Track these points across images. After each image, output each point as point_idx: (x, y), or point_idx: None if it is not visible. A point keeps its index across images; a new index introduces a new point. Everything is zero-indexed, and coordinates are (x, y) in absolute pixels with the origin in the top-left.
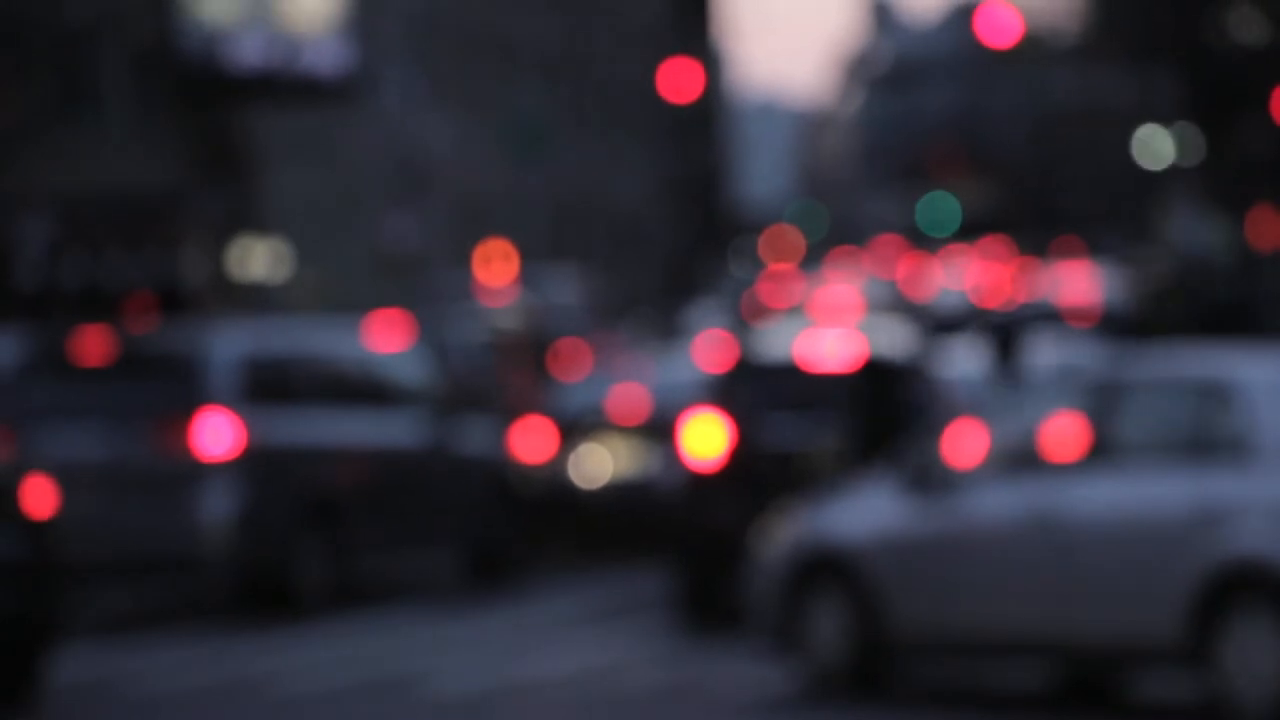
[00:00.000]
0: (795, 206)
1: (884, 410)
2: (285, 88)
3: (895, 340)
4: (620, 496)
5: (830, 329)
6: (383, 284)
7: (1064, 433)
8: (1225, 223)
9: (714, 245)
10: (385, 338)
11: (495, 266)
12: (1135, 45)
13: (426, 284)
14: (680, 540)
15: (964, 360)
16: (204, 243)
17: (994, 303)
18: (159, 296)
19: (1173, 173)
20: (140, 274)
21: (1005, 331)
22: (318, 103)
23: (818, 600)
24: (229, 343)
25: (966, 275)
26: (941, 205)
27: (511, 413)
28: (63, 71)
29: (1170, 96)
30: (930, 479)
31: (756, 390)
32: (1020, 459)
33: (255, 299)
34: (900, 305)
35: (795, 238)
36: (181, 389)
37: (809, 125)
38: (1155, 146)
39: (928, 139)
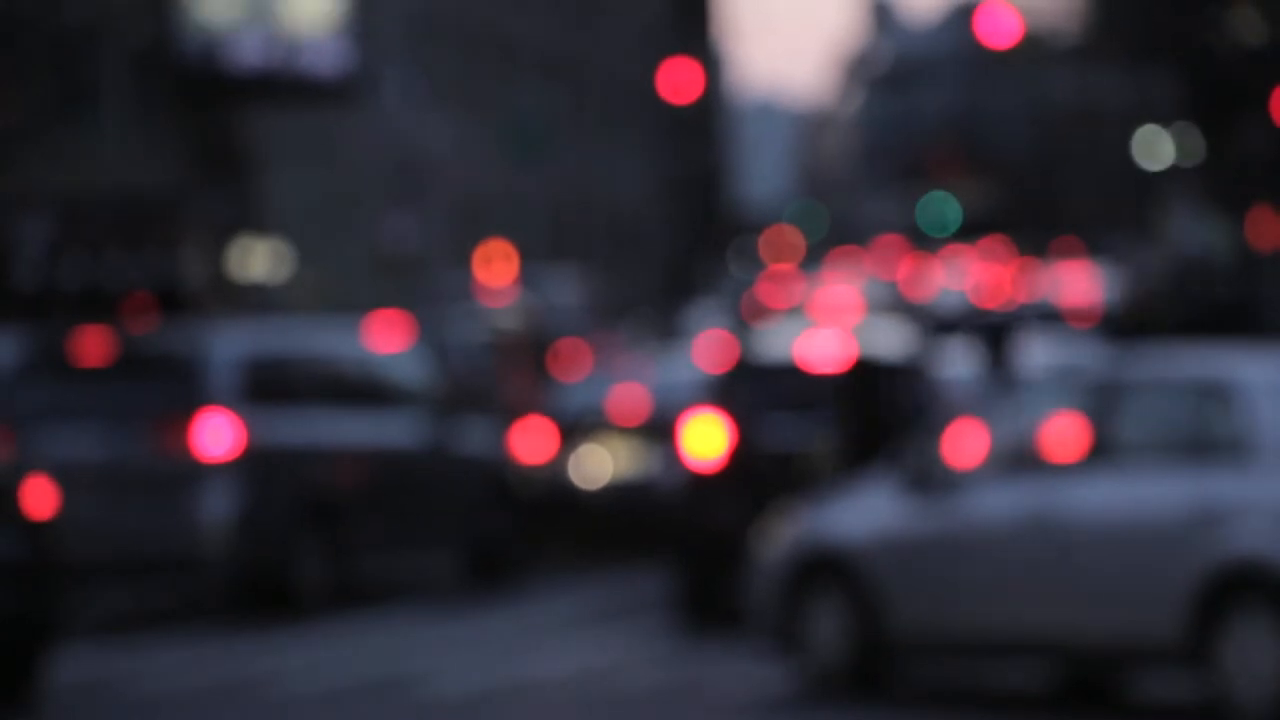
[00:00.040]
0: (795, 206)
1: (874, 411)
2: (285, 88)
3: (889, 341)
4: (620, 497)
5: (825, 329)
6: (383, 284)
7: (1064, 433)
8: (1225, 223)
9: (714, 245)
10: (385, 338)
11: (495, 267)
12: (1135, 45)
13: (426, 284)
14: (680, 540)
15: (962, 360)
16: (204, 243)
17: (994, 303)
18: (159, 297)
19: (1173, 173)
20: (140, 274)
21: (996, 331)
22: (317, 103)
23: (818, 600)
24: (229, 343)
25: (966, 275)
26: (941, 205)
27: (511, 413)
28: (62, 72)
29: (1170, 96)
30: (930, 479)
31: (756, 390)
32: (1020, 459)
33: (255, 299)
34: (900, 305)
35: (795, 238)
36: (181, 389)
37: (809, 125)
38: (1155, 147)
39: (928, 139)
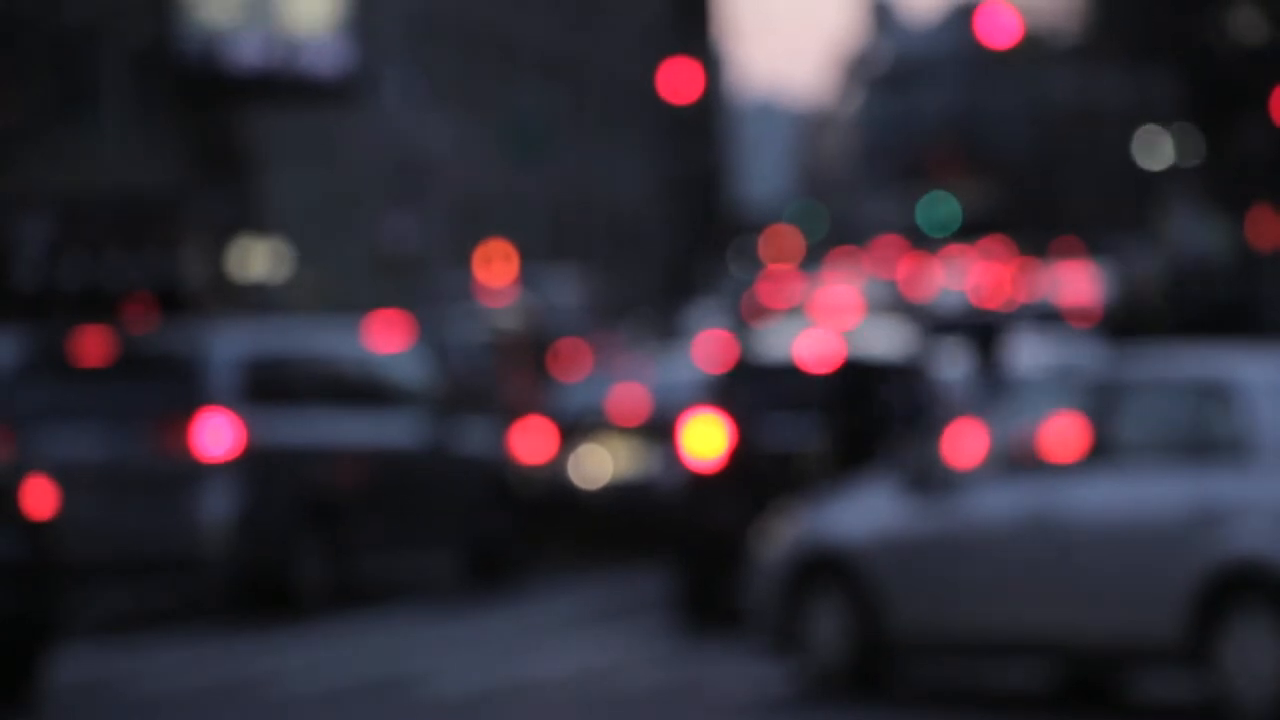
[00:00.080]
0: (795, 206)
1: (862, 412)
2: (285, 88)
3: (884, 341)
4: (620, 497)
5: (818, 330)
6: (383, 284)
7: (1064, 433)
8: (1225, 223)
9: (714, 245)
10: (385, 338)
11: (495, 266)
12: (1135, 45)
13: (426, 284)
14: (680, 540)
15: (957, 360)
16: (204, 243)
17: (994, 303)
18: (159, 297)
19: (1173, 173)
20: (140, 274)
21: (986, 332)
22: (317, 103)
23: (818, 600)
24: (229, 343)
25: (966, 275)
26: (941, 205)
27: (511, 413)
28: (62, 71)
29: (1170, 96)
30: (930, 479)
31: (756, 390)
32: (1020, 459)
33: (255, 299)
34: (900, 305)
35: (795, 238)
36: (181, 389)
37: (809, 125)
38: (1155, 147)
39: (928, 139)
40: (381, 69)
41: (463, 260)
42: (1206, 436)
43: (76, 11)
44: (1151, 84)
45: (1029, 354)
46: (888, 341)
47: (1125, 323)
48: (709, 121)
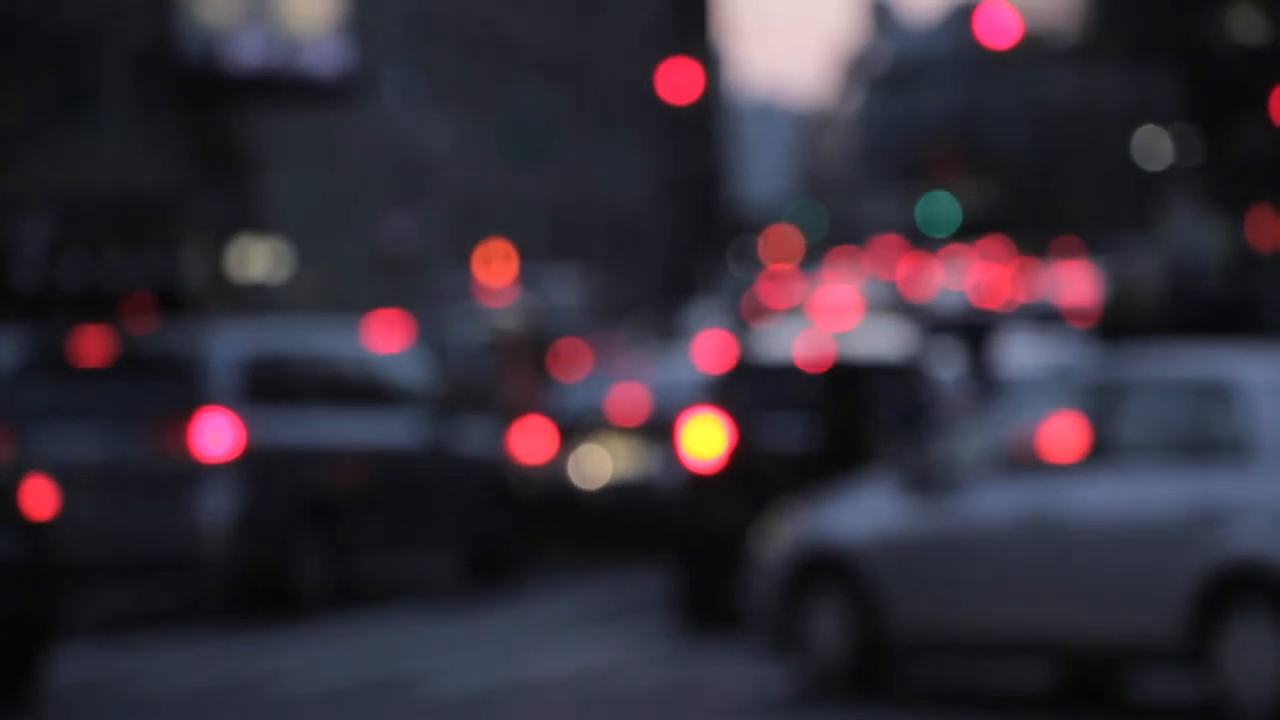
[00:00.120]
0: (795, 206)
1: (852, 413)
2: (285, 88)
3: (881, 341)
4: (620, 497)
5: (818, 330)
6: (383, 284)
7: (1064, 433)
8: (1225, 223)
9: (714, 245)
10: (385, 338)
11: (495, 266)
12: (1135, 45)
13: (426, 284)
14: (680, 540)
15: (953, 360)
16: (204, 243)
17: (993, 303)
18: (159, 297)
19: (1173, 173)
20: (140, 274)
21: (977, 332)
22: (317, 103)
23: (818, 600)
24: (229, 343)
25: (966, 275)
26: (941, 205)
27: (511, 413)
28: (62, 71)
29: (1170, 96)
30: (930, 479)
31: (756, 390)
32: (1020, 459)
33: (255, 299)
34: (900, 305)
35: (795, 238)
36: (181, 389)
37: (809, 125)
38: (1155, 147)
39: (928, 139)
40: (381, 69)
41: (463, 260)
42: (1206, 436)
43: (76, 11)
44: (1151, 84)
45: (1020, 354)
46: (887, 342)
47: (1115, 323)
48: (709, 121)
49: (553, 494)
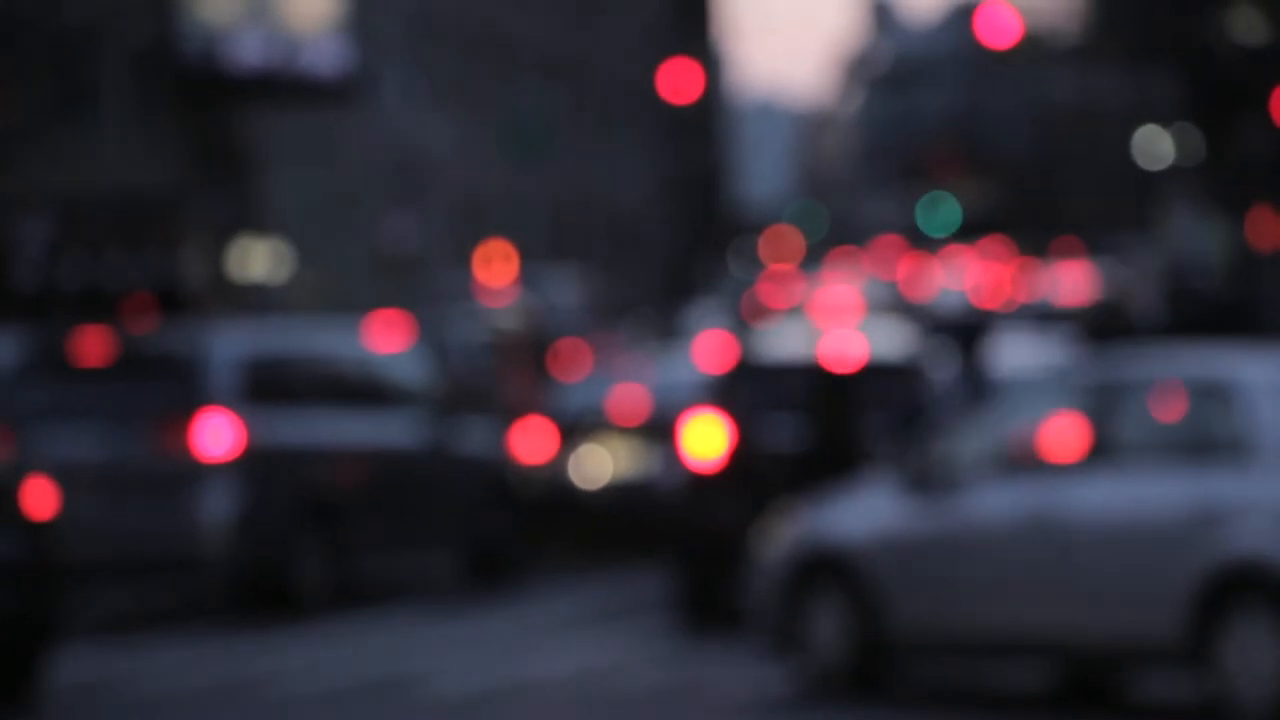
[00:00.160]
0: (795, 206)
1: (843, 414)
2: (285, 88)
3: (881, 341)
4: (620, 497)
5: (817, 330)
6: (383, 284)
7: (1064, 433)
8: (1225, 223)
9: (714, 245)
10: (385, 338)
11: (495, 266)
12: (1135, 45)
13: (426, 284)
14: (680, 540)
15: (948, 360)
16: (204, 243)
17: (993, 303)
18: (159, 297)
19: (1173, 173)
20: (140, 274)
21: (969, 332)
22: (317, 103)
23: (818, 600)
24: (229, 343)
25: (966, 275)
26: (941, 205)
27: (511, 413)
28: (62, 71)
29: (1170, 96)
30: (930, 479)
31: (756, 390)
32: (1020, 459)
33: (255, 299)
34: (900, 306)
35: (795, 238)
36: (181, 389)
37: (809, 125)
38: (1155, 147)
39: (928, 139)
40: (381, 69)
41: (463, 260)
42: (1206, 436)
43: (76, 11)
44: (1151, 84)
45: (1020, 354)
46: (887, 341)
47: (1106, 324)
48: (709, 121)
49: (553, 494)
